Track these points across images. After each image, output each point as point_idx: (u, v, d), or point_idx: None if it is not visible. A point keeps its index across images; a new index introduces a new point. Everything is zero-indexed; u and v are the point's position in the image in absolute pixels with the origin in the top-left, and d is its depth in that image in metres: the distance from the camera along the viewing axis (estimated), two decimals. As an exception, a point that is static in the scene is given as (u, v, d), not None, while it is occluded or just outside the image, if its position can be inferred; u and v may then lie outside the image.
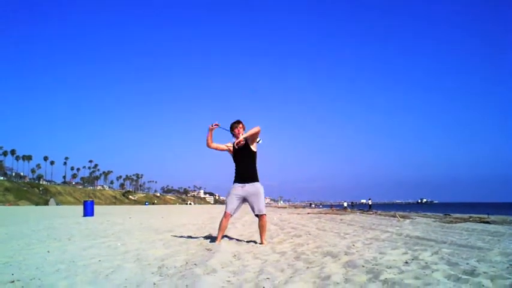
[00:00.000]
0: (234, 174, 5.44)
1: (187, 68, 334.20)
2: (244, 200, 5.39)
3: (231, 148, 5.42)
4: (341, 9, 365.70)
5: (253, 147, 5.34)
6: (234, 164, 5.45)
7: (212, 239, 5.90)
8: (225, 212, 5.35)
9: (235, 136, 5.31)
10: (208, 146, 5.32)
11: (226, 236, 6.15)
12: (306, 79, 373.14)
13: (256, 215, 5.40)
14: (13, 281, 3.03)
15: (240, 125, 5.35)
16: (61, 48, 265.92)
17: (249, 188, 5.31)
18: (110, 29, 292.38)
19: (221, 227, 5.46)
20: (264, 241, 5.45)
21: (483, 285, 2.72)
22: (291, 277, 3.13)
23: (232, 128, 5.34)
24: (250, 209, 5.50)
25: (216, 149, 5.43)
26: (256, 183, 5.35)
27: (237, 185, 5.36)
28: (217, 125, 5.27)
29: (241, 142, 5.20)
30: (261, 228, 5.45)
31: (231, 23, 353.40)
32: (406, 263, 3.69)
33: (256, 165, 5.43)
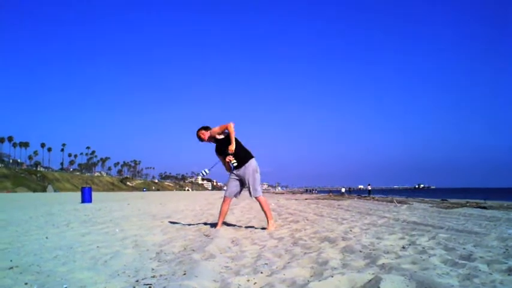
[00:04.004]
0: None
1: (184, 56, 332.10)
2: (242, 183, 5.41)
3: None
4: None
5: (228, 138, 5.34)
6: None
7: (210, 225, 5.92)
8: (224, 197, 5.41)
9: (202, 140, 5.53)
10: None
11: (224, 222, 6.17)
12: (300, 61, 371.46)
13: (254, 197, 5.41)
14: (12, 267, 3.03)
15: (202, 131, 5.50)
16: (59, 37, 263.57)
17: (241, 171, 5.36)
18: (108, 17, 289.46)
19: (221, 212, 5.49)
20: (270, 225, 5.34)
21: (480, 270, 2.73)
22: (289, 262, 3.13)
23: (198, 135, 5.51)
24: (247, 194, 5.52)
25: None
26: (247, 165, 5.34)
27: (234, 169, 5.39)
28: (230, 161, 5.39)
29: (231, 160, 5.33)
30: (263, 210, 5.42)
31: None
32: (403, 248, 3.71)
33: (241, 145, 5.40)
